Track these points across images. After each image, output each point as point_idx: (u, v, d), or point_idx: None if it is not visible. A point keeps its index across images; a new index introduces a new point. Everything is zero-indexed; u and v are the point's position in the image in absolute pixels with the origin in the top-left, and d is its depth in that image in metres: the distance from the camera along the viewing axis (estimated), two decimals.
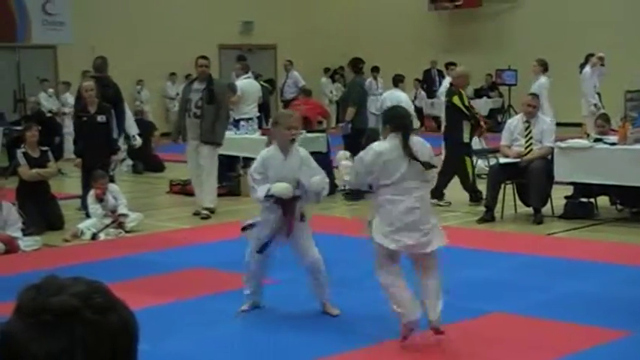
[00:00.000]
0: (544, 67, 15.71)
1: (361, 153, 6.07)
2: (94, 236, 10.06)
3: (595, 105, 16.88)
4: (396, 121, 6.00)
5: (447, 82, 16.81)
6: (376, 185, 5.92)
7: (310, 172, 6.50)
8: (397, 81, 14.89)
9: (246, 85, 14.57)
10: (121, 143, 11.66)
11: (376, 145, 5.95)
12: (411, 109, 14.17)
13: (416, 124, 14.29)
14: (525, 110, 10.80)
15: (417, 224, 5.78)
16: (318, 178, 6.45)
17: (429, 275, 5.87)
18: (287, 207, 6.47)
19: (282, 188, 6.37)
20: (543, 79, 15.37)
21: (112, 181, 10.87)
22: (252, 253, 6.76)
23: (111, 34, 22.00)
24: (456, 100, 12.00)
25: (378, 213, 5.87)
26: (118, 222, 10.32)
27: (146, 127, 16.03)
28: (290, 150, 6.56)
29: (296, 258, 6.66)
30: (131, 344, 1.44)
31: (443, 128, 12.99)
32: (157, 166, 16.26)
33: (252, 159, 14.01)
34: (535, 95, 11.30)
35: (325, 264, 6.74)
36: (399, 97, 13.73)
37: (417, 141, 5.95)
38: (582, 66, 18.50)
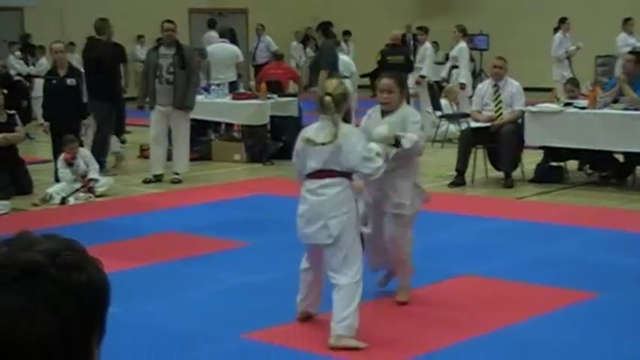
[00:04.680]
0: (463, 32, 16.11)
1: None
2: (64, 200, 9.99)
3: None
4: None
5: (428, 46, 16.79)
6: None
7: None
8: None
9: (215, 49, 14.50)
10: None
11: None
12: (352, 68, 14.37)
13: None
14: (492, 72, 10.90)
15: None
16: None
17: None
18: None
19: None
20: (463, 44, 15.67)
21: (81, 145, 10.78)
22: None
23: None
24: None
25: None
26: (88, 187, 10.26)
27: None
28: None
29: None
30: (99, 305, 1.42)
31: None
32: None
33: (222, 123, 14.10)
34: (501, 58, 11.27)
35: (295, 228, 6.74)
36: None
37: None
38: (556, 30, 18.53)
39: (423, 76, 15.73)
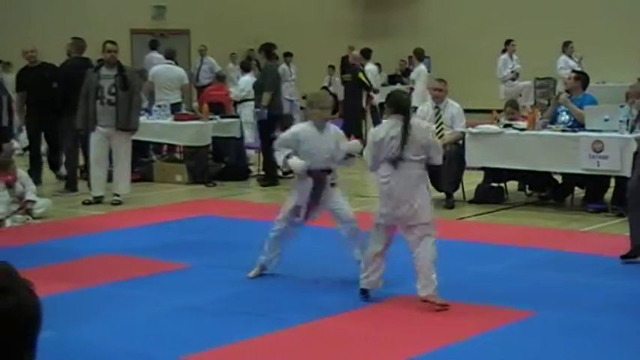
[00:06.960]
0: (419, 56, 16.59)
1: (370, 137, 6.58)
2: (0, 223, 9.81)
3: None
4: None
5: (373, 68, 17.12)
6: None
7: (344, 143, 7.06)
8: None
9: (161, 71, 14.45)
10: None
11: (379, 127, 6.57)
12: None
13: None
14: (433, 95, 11.03)
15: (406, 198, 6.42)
16: (353, 142, 7.18)
17: (418, 246, 6.48)
18: (318, 179, 6.90)
19: (296, 164, 6.85)
20: (422, 67, 16.13)
21: None
22: (281, 217, 7.05)
23: (15, 16, 21.44)
24: (361, 75, 15.94)
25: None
26: (25, 208, 10.10)
27: None
28: (324, 126, 6.97)
29: (333, 218, 7.11)
30: (30, 329, 1.39)
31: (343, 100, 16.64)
32: None
33: (164, 144, 14.02)
34: (442, 80, 11.44)
35: (237, 248, 6.78)
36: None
37: (418, 123, 6.62)
38: (503, 52, 18.87)
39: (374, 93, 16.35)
